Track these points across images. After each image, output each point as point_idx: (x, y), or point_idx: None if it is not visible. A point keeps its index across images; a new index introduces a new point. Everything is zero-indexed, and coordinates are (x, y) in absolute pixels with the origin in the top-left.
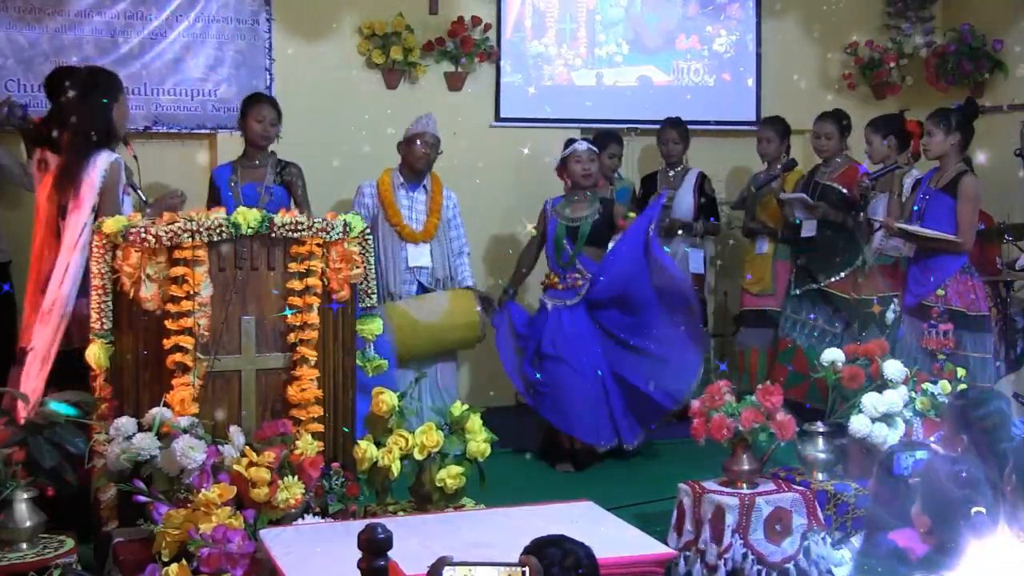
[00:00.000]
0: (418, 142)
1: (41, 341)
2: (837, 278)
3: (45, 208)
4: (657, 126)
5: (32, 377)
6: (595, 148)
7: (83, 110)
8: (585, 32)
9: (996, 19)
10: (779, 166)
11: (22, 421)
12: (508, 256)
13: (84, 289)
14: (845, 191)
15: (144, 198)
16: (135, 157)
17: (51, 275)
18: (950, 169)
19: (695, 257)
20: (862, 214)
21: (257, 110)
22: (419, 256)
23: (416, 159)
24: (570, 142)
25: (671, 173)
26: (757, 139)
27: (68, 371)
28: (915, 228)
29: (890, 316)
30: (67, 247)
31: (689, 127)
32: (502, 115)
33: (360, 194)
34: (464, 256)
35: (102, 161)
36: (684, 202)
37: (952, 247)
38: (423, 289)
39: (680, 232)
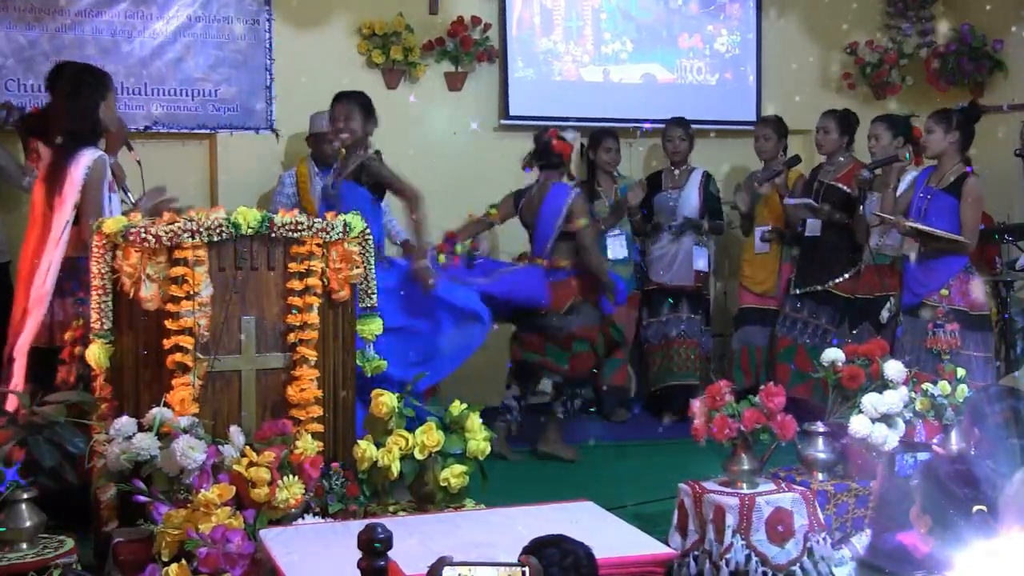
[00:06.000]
0: (325, 139)
1: (25, 336)
2: (840, 279)
3: (38, 205)
4: (662, 124)
5: (16, 373)
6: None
7: (71, 107)
8: (591, 29)
9: (996, 19)
10: (783, 163)
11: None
12: (511, 252)
13: (60, 289)
14: (848, 190)
15: (132, 201)
16: (139, 162)
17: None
18: (950, 169)
19: (699, 255)
20: (862, 208)
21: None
22: None
23: (326, 156)
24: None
25: (676, 172)
26: (755, 137)
27: (47, 370)
28: (926, 227)
29: (884, 315)
30: (51, 244)
31: (691, 126)
32: (511, 113)
33: (281, 184)
34: (390, 215)
35: (86, 158)
36: (690, 201)
37: (959, 247)
38: None
39: (686, 231)
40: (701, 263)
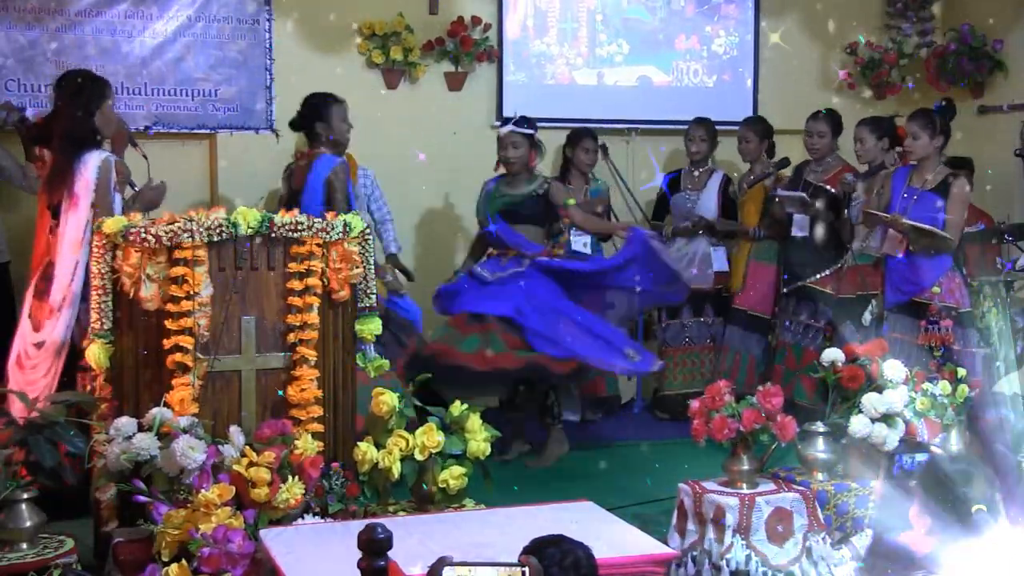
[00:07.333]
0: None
1: (55, 334)
2: (820, 275)
3: (42, 210)
4: (657, 126)
5: (43, 370)
6: (523, 131)
7: (70, 113)
8: (586, 32)
9: (996, 19)
10: (772, 164)
11: (20, 419)
12: None
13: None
14: (834, 192)
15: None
16: (144, 156)
17: (50, 271)
18: (934, 170)
19: (718, 256)
20: (847, 212)
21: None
22: None
23: None
24: (505, 121)
25: (696, 173)
26: (737, 138)
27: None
28: (922, 224)
29: (867, 317)
30: (72, 244)
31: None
32: (505, 115)
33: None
34: (388, 224)
35: (94, 159)
36: (708, 203)
37: (944, 244)
38: None
39: (698, 231)
40: (720, 264)
